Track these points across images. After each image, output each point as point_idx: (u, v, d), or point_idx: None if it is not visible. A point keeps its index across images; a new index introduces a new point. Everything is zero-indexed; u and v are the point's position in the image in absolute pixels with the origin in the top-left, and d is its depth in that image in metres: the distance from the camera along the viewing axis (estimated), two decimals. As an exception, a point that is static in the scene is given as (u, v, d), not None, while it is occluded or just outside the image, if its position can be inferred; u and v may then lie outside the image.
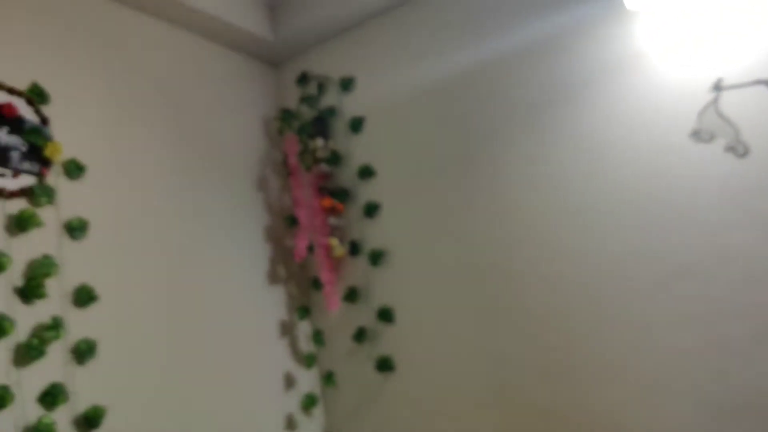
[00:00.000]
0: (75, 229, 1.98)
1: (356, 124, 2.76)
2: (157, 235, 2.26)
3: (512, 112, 2.39)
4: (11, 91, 1.93)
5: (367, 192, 2.71)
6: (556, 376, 2.21)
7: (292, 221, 2.77)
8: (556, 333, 2.22)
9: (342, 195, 2.73)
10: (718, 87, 2.02)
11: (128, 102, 2.30)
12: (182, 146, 2.47)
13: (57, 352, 1.85)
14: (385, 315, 2.58)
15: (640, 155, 2.13)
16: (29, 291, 1.81)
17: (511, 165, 2.37)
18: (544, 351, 2.23)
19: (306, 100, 2.87)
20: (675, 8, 2.12)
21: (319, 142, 2.77)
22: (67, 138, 2.05)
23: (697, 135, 2.05)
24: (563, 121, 2.28)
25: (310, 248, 2.74)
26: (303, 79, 2.91)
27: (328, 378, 2.70)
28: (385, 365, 2.55)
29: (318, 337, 2.76)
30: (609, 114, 2.19)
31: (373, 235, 2.67)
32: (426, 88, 2.61)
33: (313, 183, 2.75)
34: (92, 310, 1.98)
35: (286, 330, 2.69)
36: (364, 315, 2.65)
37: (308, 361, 2.71)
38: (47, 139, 1.97)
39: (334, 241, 2.66)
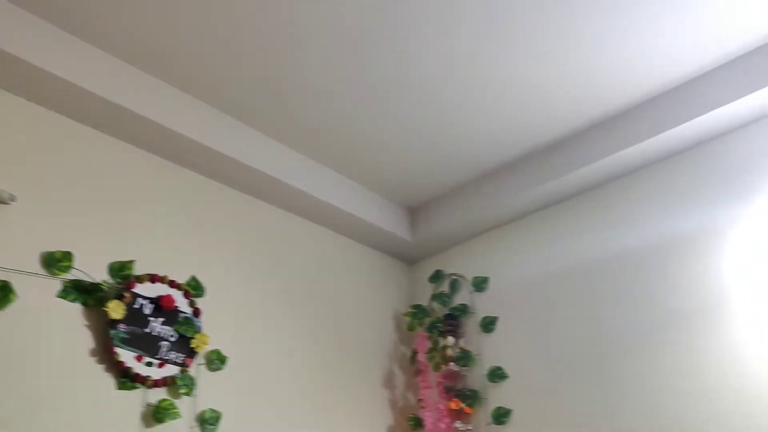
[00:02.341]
0: (206, 421, 2.03)
1: (488, 324, 2.71)
2: (283, 429, 2.26)
3: (656, 318, 2.23)
4: (172, 284, 2.12)
5: (497, 396, 2.57)
6: None
7: (417, 423, 2.66)
8: None
9: (470, 398, 2.60)
10: None
11: (270, 294, 2.44)
12: (316, 339, 2.53)
13: None
14: None
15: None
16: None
17: (654, 374, 2.17)
18: None
19: (437, 297, 2.89)
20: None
21: (450, 340, 2.73)
22: (214, 330, 2.17)
23: None
24: (709, 332, 2.08)
25: (435, 454, 2.57)
26: (436, 276, 2.95)
27: None
28: None
29: None
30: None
31: (503, 445, 2.48)
32: (562, 291, 2.53)
33: (441, 382, 2.66)
34: None
35: None
36: None
37: None
38: (196, 330, 2.11)
39: (461, 449, 2.49)
